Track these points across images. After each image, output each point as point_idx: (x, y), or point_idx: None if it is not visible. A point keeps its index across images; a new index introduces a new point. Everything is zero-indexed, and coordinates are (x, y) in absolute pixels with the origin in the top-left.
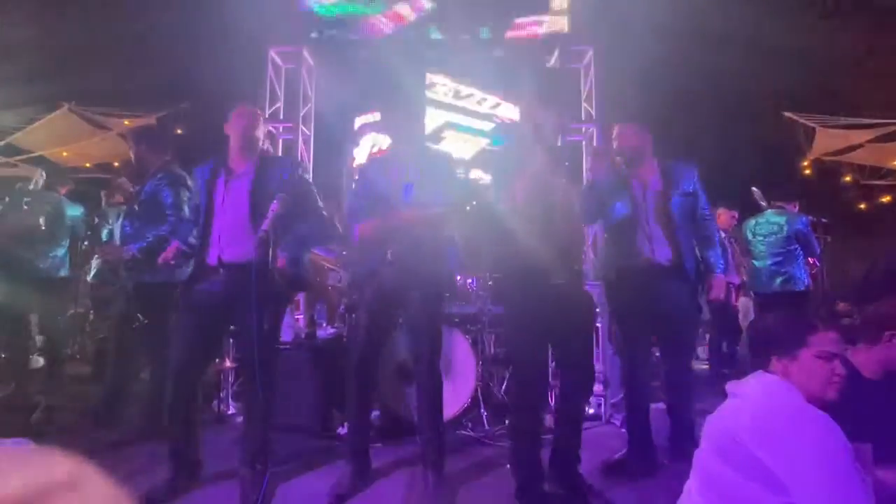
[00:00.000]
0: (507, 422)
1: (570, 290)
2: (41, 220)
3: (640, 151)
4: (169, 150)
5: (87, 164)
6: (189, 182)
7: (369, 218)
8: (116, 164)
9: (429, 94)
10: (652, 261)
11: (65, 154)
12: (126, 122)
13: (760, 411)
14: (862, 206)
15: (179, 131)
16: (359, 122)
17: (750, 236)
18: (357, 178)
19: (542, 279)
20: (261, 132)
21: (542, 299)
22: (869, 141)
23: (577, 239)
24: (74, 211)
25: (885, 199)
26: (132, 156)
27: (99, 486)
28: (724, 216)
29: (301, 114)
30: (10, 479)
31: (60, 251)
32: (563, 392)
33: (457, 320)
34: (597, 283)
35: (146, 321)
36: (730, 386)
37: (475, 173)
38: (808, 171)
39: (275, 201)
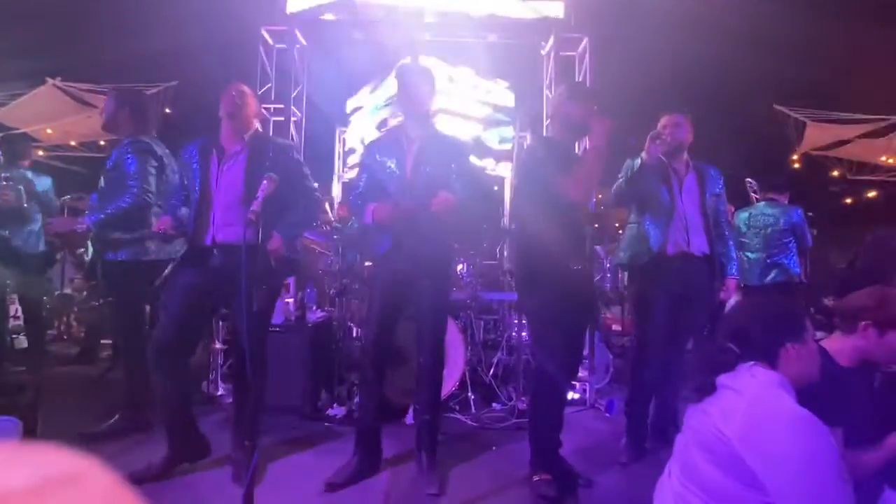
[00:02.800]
0: (532, 394)
1: (586, 275)
2: (14, 197)
3: (685, 145)
4: (151, 123)
5: (73, 143)
6: (158, 153)
7: (379, 200)
8: (103, 142)
9: None
10: (687, 251)
11: (49, 131)
12: None
13: (753, 416)
14: (848, 200)
15: (168, 111)
16: (351, 103)
17: (744, 229)
18: (365, 154)
19: (568, 264)
20: (252, 110)
21: (568, 283)
22: (859, 136)
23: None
24: (43, 184)
25: (871, 194)
26: (105, 117)
27: (100, 480)
28: None
29: (292, 95)
30: (11, 473)
31: (35, 227)
32: None
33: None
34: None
35: (108, 301)
36: (722, 378)
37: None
38: (797, 165)
39: (265, 181)
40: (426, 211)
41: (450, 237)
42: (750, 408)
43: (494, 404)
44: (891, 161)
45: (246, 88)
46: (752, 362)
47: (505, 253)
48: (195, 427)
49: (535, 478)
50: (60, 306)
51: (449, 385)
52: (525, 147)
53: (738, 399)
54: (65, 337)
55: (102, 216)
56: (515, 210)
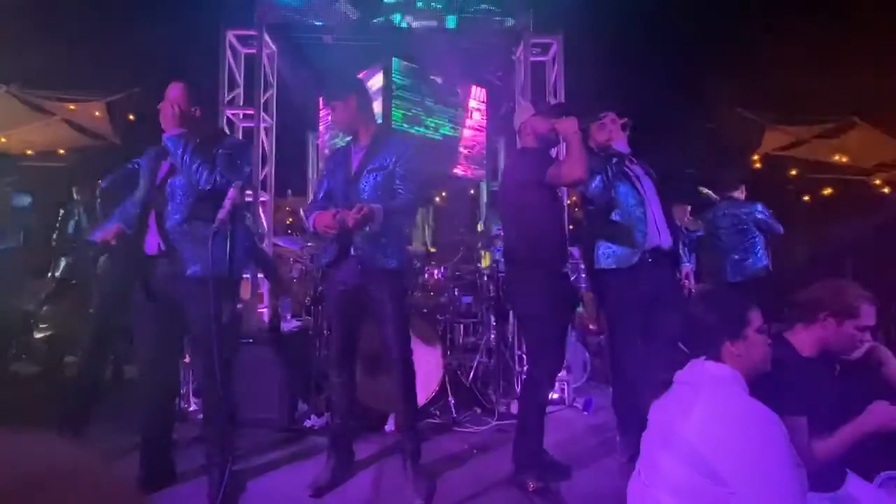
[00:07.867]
0: (525, 397)
1: (567, 276)
2: None
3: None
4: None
5: (29, 152)
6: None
7: (323, 209)
8: (62, 151)
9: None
10: (659, 245)
11: (3, 140)
12: (71, 107)
13: (709, 409)
14: (806, 198)
15: (132, 117)
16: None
17: (711, 229)
18: (324, 164)
19: (560, 267)
20: (192, 106)
21: (560, 285)
22: (814, 137)
23: None
24: (22, 201)
25: (827, 191)
26: None
27: (96, 475)
28: (681, 211)
29: (262, 100)
30: (11, 464)
31: (11, 245)
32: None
33: (425, 310)
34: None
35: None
36: (678, 374)
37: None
38: (758, 165)
39: (231, 189)
40: (366, 219)
41: (400, 242)
42: (705, 402)
43: (475, 407)
44: (844, 160)
45: (182, 84)
46: (702, 357)
47: (481, 257)
48: (169, 453)
49: (531, 487)
50: (19, 324)
51: (428, 390)
52: (504, 159)
53: (694, 394)
54: (23, 356)
55: None
56: (506, 214)
